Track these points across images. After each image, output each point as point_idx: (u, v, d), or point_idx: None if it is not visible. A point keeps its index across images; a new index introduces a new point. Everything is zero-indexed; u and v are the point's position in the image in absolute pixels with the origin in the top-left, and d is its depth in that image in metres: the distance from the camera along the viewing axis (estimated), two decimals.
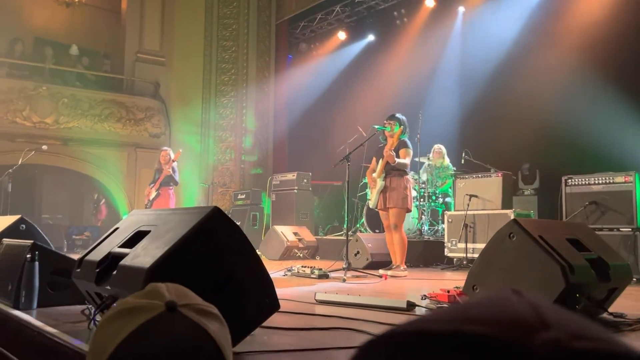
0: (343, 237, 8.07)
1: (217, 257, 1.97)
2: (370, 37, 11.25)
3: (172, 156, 7.72)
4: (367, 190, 8.41)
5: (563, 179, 5.68)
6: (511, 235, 2.76)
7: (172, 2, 11.05)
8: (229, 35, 11.62)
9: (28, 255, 2.78)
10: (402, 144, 5.44)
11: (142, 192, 10.41)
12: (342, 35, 11.48)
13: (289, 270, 5.32)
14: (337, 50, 11.73)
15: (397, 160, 5.31)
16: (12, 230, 3.74)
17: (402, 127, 5.47)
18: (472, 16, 9.41)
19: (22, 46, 10.19)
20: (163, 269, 1.83)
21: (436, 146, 7.85)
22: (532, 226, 2.76)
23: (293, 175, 9.21)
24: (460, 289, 3.06)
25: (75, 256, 2.83)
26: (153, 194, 7.63)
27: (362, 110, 9.99)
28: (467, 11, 9.56)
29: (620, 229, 5.21)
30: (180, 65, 11.12)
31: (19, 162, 7.40)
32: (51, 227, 9.65)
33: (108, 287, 2.05)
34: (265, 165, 11.72)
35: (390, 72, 10.34)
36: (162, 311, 0.81)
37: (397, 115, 5.58)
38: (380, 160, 5.47)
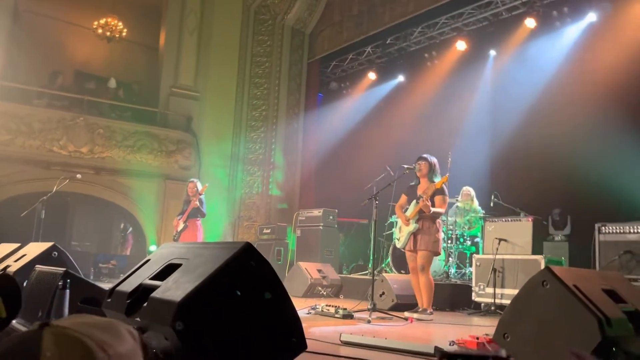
0: (368, 277, 7.98)
1: (248, 292, 1.97)
2: (400, 78, 11.36)
3: (200, 188, 7.79)
4: (393, 229, 8.35)
5: (597, 226, 5.56)
6: (544, 283, 2.69)
7: (208, 40, 11.41)
8: (262, 73, 11.89)
9: (60, 283, 2.82)
10: (439, 190, 5.39)
11: (169, 223, 10.53)
12: (372, 75, 11.63)
13: (313, 309, 5.27)
14: (367, 89, 11.87)
15: (433, 209, 5.28)
16: (44, 257, 3.80)
17: (438, 174, 5.45)
18: (504, 60, 9.45)
19: (62, 79, 10.59)
20: (194, 303, 1.84)
21: (465, 188, 7.78)
22: (566, 275, 2.69)
23: (319, 212, 9.21)
24: (490, 337, 2.97)
25: (101, 284, 2.87)
26: (181, 226, 7.71)
27: (390, 149, 10.01)
28: (499, 55, 9.60)
29: None
30: (213, 100, 11.38)
31: (54, 190, 7.58)
32: (79, 254, 9.79)
33: (138, 319, 2.06)
34: (292, 200, 11.77)
35: (419, 112, 10.39)
36: None
37: (426, 155, 5.58)
38: (414, 203, 5.42)
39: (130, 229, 11.84)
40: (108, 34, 11.38)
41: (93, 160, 9.91)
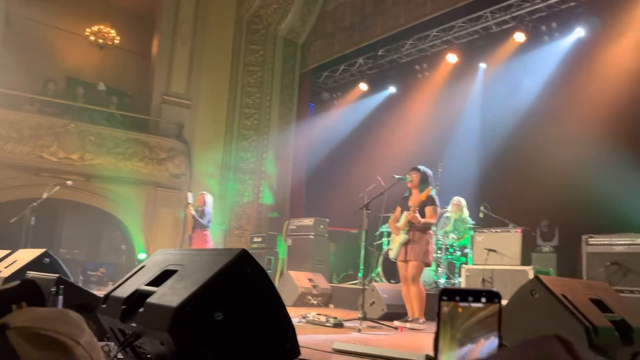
0: (358, 286, 8.00)
1: (243, 298, 1.99)
2: (392, 89, 11.46)
3: (205, 200, 8.09)
4: (383, 239, 8.40)
5: (584, 237, 5.63)
6: (533, 292, 2.74)
7: (201, 48, 11.45)
8: (254, 82, 11.94)
9: (53, 289, 2.82)
10: (429, 200, 5.42)
11: (159, 231, 10.52)
12: (363, 86, 11.72)
13: (304, 318, 5.28)
14: (358, 100, 11.96)
15: (423, 220, 5.31)
16: (36, 264, 3.79)
17: (430, 186, 5.46)
18: (493, 73, 9.58)
19: (54, 86, 10.56)
20: (190, 308, 1.86)
21: (455, 198, 7.85)
22: (555, 284, 2.74)
23: (310, 221, 9.23)
24: None
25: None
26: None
27: (381, 159, 10.08)
28: (489, 68, 9.74)
29: None
30: (205, 108, 11.40)
31: (44, 196, 7.54)
32: (68, 261, 9.68)
33: (133, 324, 2.08)
34: (283, 209, 11.78)
35: (410, 123, 10.48)
36: None
37: (420, 167, 5.62)
38: (405, 213, 5.46)
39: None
40: (100, 41, 11.40)
41: (83, 167, 9.87)
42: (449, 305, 0.81)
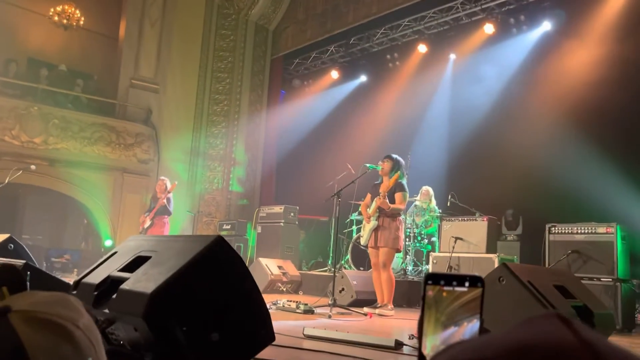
0: (327, 273, 8.07)
1: (219, 285, 1.99)
2: (363, 78, 11.50)
3: (169, 186, 7.86)
4: (353, 227, 8.48)
5: (547, 226, 5.79)
6: (501, 279, 2.83)
7: (169, 32, 11.23)
8: (224, 67, 11.79)
9: None
10: (398, 187, 5.49)
11: (126, 217, 10.34)
12: (334, 74, 11.72)
13: (274, 304, 5.30)
14: (329, 88, 11.95)
15: (392, 206, 5.38)
16: (0, 250, 3.69)
17: (399, 171, 5.53)
18: (463, 64, 9.71)
19: (15, 66, 10.21)
20: (166, 294, 1.85)
21: (424, 188, 7.97)
22: (521, 271, 2.83)
23: (280, 208, 9.23)
24: None
25: None
26: (147, 223, 7.73)
27: (351, 148, 10.13)
28: (458, 58, 9.86)
29: (601, 279, 5.31)
30: (174, 93, 11.21)
31: (6, 181, 7.32)
32: (30, 247, 9.43)
33: (106, 311, 2.06)
34: (252, 196, 11.74)
35: (380, 112, 10.55)
36: None
37: (393, 155, 5.67)
38: (375, 200, 5.52)
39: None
40: (65, 21, 11.03)
41: (47, 151, 9.60)
42: (434, 289, 0.83)
